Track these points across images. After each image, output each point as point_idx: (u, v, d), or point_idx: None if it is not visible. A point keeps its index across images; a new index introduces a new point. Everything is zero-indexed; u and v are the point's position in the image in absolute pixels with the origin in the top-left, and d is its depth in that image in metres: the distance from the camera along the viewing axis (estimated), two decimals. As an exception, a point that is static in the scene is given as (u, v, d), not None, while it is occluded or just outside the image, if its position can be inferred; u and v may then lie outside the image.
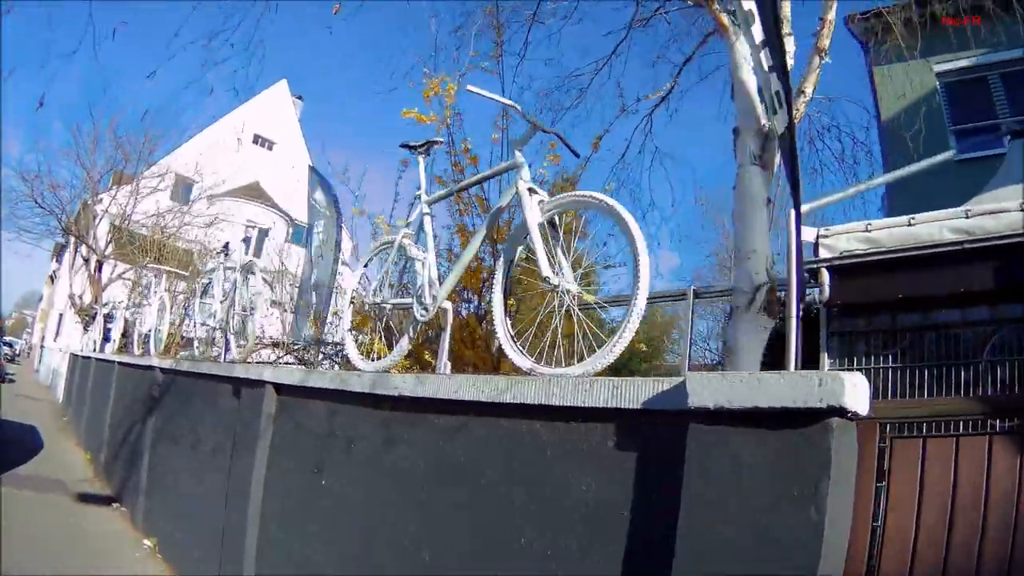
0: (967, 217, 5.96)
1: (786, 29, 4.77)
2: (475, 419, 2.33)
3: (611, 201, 2.32)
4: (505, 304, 2.65)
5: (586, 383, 1.89)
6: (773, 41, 3.37)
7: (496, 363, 3.73)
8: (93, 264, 17.82)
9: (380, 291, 3.32)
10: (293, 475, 3.30)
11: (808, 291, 5.45)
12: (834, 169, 7.83)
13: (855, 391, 1.37)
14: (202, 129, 27.55)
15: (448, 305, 2.98)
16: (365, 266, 3.58)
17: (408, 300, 3.11)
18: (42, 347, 29.44)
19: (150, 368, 6.38)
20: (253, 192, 27.66)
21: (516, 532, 2.03)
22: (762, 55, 4.14)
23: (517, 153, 2.65)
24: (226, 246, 5.55)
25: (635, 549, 1.68)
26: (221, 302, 5.18)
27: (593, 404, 1.84)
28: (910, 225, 6.10)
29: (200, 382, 4.77)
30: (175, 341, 8.40)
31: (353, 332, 3.43)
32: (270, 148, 31.90)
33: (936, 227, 6.04)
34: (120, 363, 8.51)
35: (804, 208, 5.46)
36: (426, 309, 2.97)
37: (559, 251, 2.44)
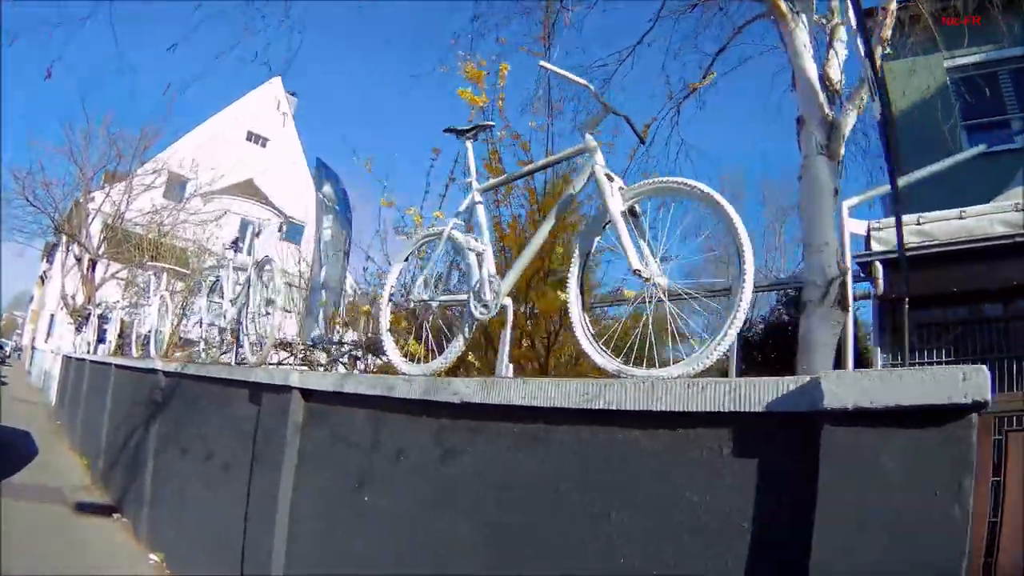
0: (1017, 210, 5.73)
1: (836, 19, 4.55)
2: (555, 428, 2.05)
3: (706, 188, 2.14)
4: (583, 299, 2.36)
5: (698, 385, 1.70)
6: (862, 29, 3.14)
7: (543, 364, 3.42)
8: (86, 263, 17.37)
9: (426, 288, 3.03)
10: (328, 491, 2.97)
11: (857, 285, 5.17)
12: (858, 163, 7.60)
13: (987, 384, 1.31)
14: (197, 125, 27.05)
15: (509, 301, 2.69)
16: (406, 260, 3.26)
17: (462, 297, 2.85)
18: (33, 348, 28.95)
19: (152, 371, 6.01)
20: (247, 189, 27.21)
21: (613, 552, 1.81)
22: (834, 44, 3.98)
23: (588, 136, 2.48)
24: (235, 241, 5.21)
25: (760, 562, 1.56)
26: (232, 301, 4.82)
27: (707, 408, 1.67)
28: (961, 218, 5.85)
29: (211, 387, 4.42)
30: (173, 342, 8.04)
31: (392, 333, 3.10)
32: (264, 145, 31.42)
33: (987, 220, 5.80)
34: (118, 365, 8.13)
35: (853, 201, 5.20)
36: (486, 306, 2.71)
37: (643, 242, 2.26)
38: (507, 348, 2.60)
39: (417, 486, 2.50)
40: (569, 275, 2.41)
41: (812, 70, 4.15)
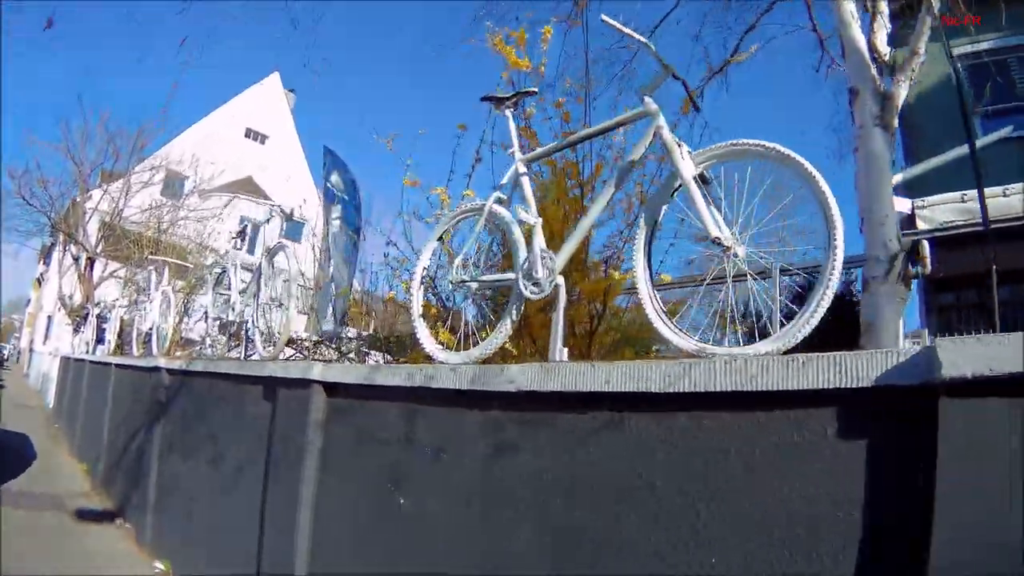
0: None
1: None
2: (631, 416, 1.80)
3: (787, 150, 1.94)
4: (651, 274, 2.08)
5: (798, 361, 1.54)
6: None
7: (585, 351, 3.13)
8: (84, 262, 17.03)
9: (464, 268, 2.77)
10: (357, 494, 2.68)
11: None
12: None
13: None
14: (194, 123, 26.69)
15: (562, 280, 2.44)
16: (439, 240, 2.98)
17: (509, 276, 2.58)
18: (31, 351, 28.64)
19: (155, 370, 5.72)
20: (246, 187, 26.87)
21: (703, 553, 1.61)
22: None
23: (648, 100, 2.27)
24: (243, 230, 4.91)
25: (872, 555, 1.40)
26: (240, 292, 4.52)
27: (809, 386, 1.51)
28: (1005, 196, 5.59)
29: (219, 384, 4.13)
30: (175, 340, 7.74)
31: (424, 319, 2.81)
32: (263, 142, 31.07)
33: (1033, 199, 5.56)
34: (118, 365, 7.85)
35: (898, 177, 4.96)
36: (538, 284, 2.45)
37: (715, 211, 2.04)
38: (560, 331, 2.34)
39: (463, 487, 2.22)
40: (635, 247, 2.13)
41: (861, 40, 3.98)
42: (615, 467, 1.82)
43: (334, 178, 6.72)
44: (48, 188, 17.74)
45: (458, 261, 2.80)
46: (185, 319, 9.09)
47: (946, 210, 5.12)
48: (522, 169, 2.69)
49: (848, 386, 1.46)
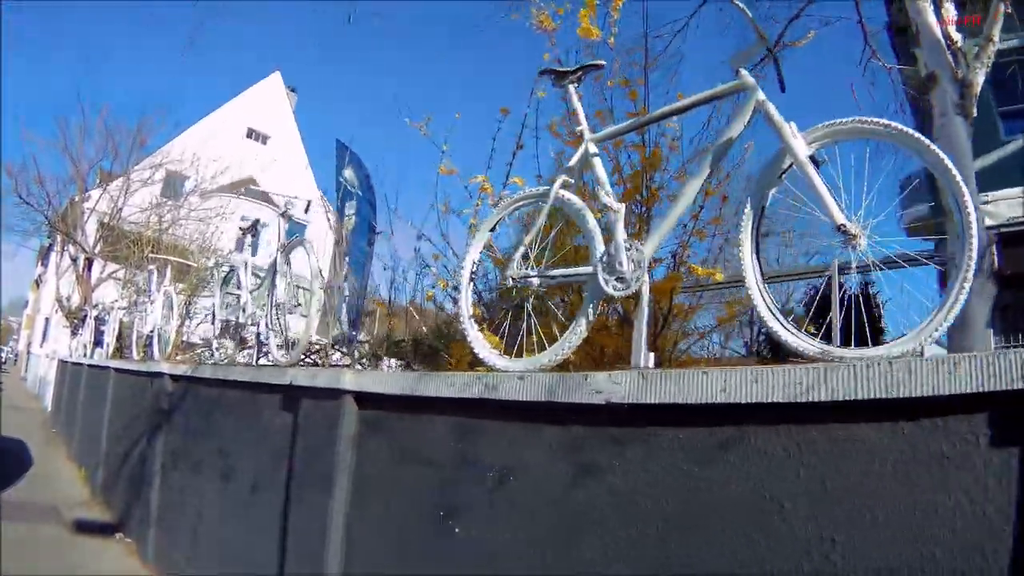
0: None
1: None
2: (751, 430, 1.51)
3: (913, 132, 1.70)
4: (760, 265, 1.77)
5: (950, 362, 1.34)
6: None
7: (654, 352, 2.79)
8: (82, 263, 16.64)
9: (525, 263, 2.47)
10: (400, 521, 2.34)
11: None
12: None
13: None
14: (195, 122, 26.33)
15: (645, 275, 2.13)
16: (492, 231, 2.65)
17: (585, 270, 2.27)
18: (29, 353, 28.29)
19: (157, 375, 5.37)
20: (248, 187, 26.50)
21: None
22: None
23: (743, 72, 2.03)
24: (255, 224, 4.57)
25: None
26: (252, 292, 4.19)
27: (962, 390, 1.32)
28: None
29: (230, 392, 3.79)
30: (177, 344, 7.40)
31: (475, 321, 2.48)
32: (264, 142, 30.70)
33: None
34: (117, 369, 7.49)
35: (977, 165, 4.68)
36: (623, 279, 2.14)
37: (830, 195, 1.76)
38: (645, 332, 2.03)
39: (536, 515, 1.89)
40: (741, 235, 1.82)
41: (936, 26, 3.74)
42: (733, 491, 1.52)
43: (347, 173, 6.37)
44: (45, 185, 17.31)
45: (518, 254, 2.48)
46: (186, 322, 8.76)
47: (1011, 204, 4.83)
48: (593, 149, 2.39)
49: (1004, 388, 1.27)
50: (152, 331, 7.04)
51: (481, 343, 2.44)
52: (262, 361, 4.15)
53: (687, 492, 1.59)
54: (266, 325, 3.79)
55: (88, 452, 8.26)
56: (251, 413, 3.51)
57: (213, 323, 4.89)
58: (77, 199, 17.49)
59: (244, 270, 4.39)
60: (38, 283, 34.27)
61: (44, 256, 30.34)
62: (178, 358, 7.22)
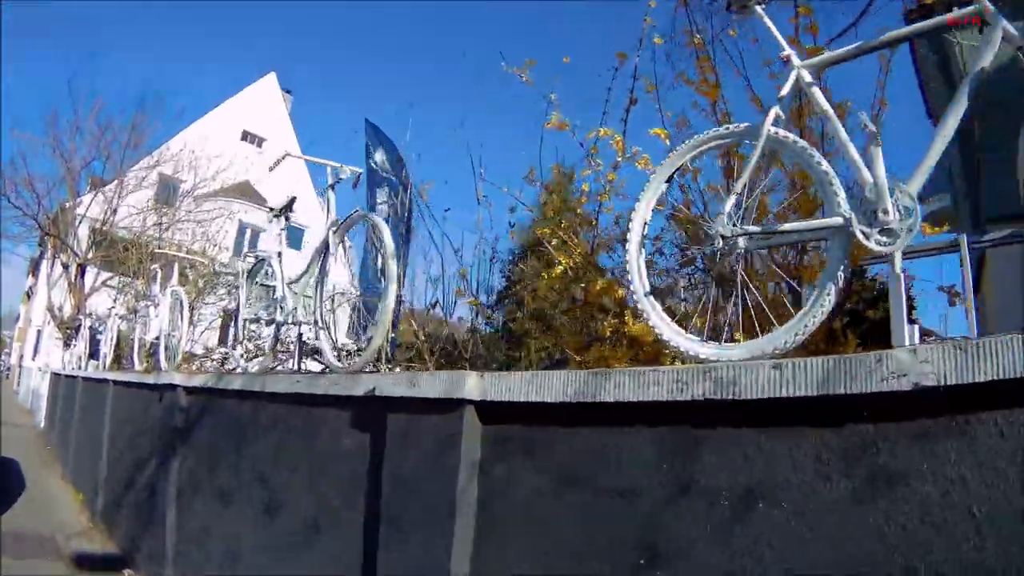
0: None
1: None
2: None
3: None
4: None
5: None
6: None
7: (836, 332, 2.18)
8: (74, 270, 15.78)
9: (730, 219, 1.87)
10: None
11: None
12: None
13: None
14: (189, 125, 25.53)
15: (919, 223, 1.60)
16: (668, 181, 2.04)
17: (831, 221, 1.68)
18: (21, 367, 27.46)
19: (168, 388, 4.64)
20: (243, 191, 25.71)
21: None
22: None
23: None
24: (291, 202, 3.87)
25: None
26: (291, 284, 3.46)
27: None
28: None
29: (271, 407, 3.07)
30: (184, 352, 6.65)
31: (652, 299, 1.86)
32: (260, 145, 29.90)
33: None
34: (117, 382, 6.75)
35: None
36: (889, 232, 1.59)
37: None
38: (904, 299, 1.54)
39: (804, 549, 1.25)
40: None
41: None
42: None
43: (378, 156, 5.70)
44: (35, 186, 16.37)
45: (730, 204, 1.89)
46: (191, 329, 8.03)
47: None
48: (807, 77, 1.88)
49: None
50: (158, 338, 6.30)
51: (669, 325, 1.88)
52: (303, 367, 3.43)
53: None
54: (319, 322, 3.07)
55: (85, 473, 7.56)
56: (303, 432, 2.80)
57: (234, 324, 4.16)
58: (68, 203, 16.62)
59: (277, 260, 3.68)
60: (29, 295, 33.40)
61: (35, 267, 29.53)
62: (186, 367, 6.50)
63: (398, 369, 3.74)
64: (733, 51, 2.95)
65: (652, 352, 2.47)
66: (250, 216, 24.19)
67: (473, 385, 1.84)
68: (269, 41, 62.14)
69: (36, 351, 24.87)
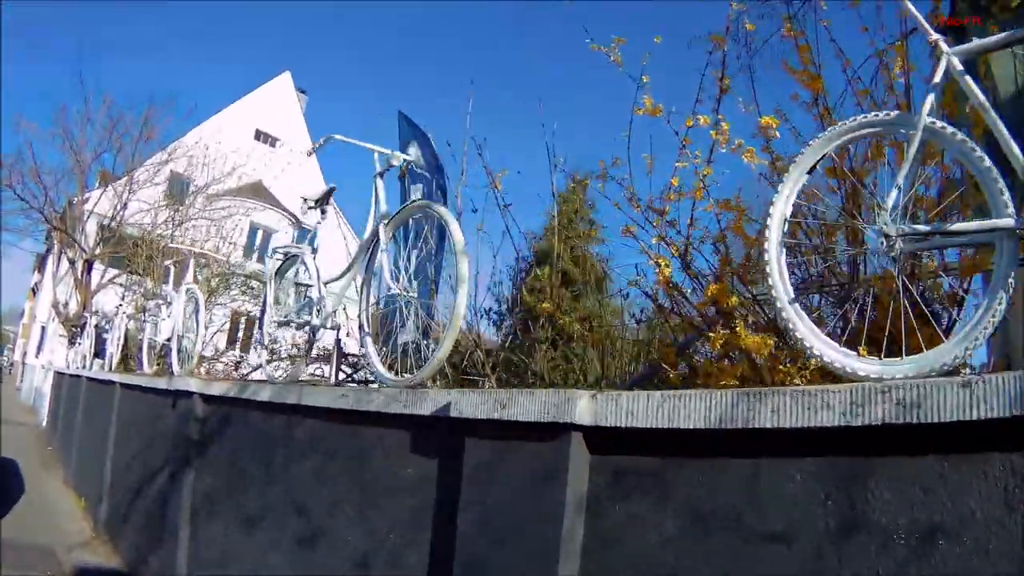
0: None
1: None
2: None
3: None
4: None
5: None
6: None
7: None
8: (80, 266, 15.44)
9: (892, 213, 1.61)
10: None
11: None
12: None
13: None
14: (201, 122, 25.26)
15: None
16: (810, 172, 1.77)
17: (1002, 222, 1.47)
18: (24, 363, 27.21)
19: (183, 395, 4.28)
20: (256, 191, 25.42)
21: None
22: None
23: None
24: (330, 192, 3.51)
25: None
26: (327, 284, 3.08)
27: None
28: None
29: (309, 423, 2.69)
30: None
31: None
32: (273, 145, 29.64)
33: None
34: (125, 385, 6.39)
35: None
36: None
37: None
38: None
39: None
40: None
41: None
42: None
43: (412, 151, 5.33)
44: (42, 178, 15.98)
45: (890, 199, 1.58)
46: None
47: None
48: (957, 65, 1.67)
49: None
50: (169, 339, 5.94)
51: (819, 337, 1.61)
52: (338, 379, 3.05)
53: None
54: (364, 326, 2.69)
55: (88, 479, 7.21)
56: (349, 454, 2.42)
57: (258, 327, 3.80)
58: (77, 197, 16.29)
59: (311, 256, 3.31)
60: (35, 291, 33.20)
61: (41, 263, 29.31)
62: (203, 373, 6.15)
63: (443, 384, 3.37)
64: (824, 42, 2.61)
65: (758, 368, 2.12)
66: (261, 216, 23.92)
67: (584, 407, 1.47)
68: (283, 40, 62.00)
69: (40, 348, 24.57)
